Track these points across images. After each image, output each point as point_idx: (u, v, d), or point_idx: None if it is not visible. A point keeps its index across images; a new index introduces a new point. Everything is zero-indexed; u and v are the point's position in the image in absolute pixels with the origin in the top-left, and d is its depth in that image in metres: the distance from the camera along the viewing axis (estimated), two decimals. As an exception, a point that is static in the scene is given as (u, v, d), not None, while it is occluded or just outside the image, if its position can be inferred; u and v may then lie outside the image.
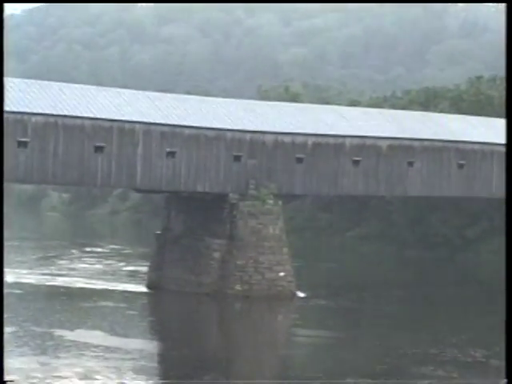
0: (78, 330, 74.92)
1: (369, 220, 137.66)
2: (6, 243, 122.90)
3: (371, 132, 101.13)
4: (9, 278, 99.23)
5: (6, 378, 39.06)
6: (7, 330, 67.46)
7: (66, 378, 58.46)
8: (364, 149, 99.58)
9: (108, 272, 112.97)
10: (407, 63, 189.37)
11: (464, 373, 60.97)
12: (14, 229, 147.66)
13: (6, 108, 77.53)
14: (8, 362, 55.70)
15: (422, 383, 58.00)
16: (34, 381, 56.38)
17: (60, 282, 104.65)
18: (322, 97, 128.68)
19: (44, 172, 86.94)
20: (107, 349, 68.09)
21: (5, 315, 72.66)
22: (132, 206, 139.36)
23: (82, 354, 66.03)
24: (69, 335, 72.67)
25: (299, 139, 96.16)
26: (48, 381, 57.61)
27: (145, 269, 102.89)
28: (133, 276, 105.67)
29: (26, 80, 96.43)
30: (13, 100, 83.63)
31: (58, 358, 64.38)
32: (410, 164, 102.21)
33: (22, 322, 77.29)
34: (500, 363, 56.58)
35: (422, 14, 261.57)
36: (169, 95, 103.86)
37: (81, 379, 57.84)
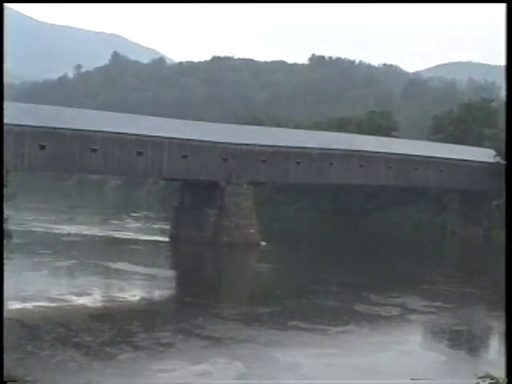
0: (119, 263, 77.79)
1: (305, 198, 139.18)
2: (79, 212, 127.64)
3: (307, 144, 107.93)
4: (73, 230, 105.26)
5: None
6: (69, 262, 75.44)
7: (106, 291, 62.93)
8: (303, 154, 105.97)
9: (144, 229, 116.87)
10: (330, 102, 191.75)
11: (357, 290, 64.94)
12: (85, 203, 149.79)
13: (86, 127, 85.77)
14: (73, 282, 64.97)
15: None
16: (90, 291, 59.37)
17: (111, 234, 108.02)
18: (277, 123, 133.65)
19: (106, 167, 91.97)
20: (137, 274, 71.74)
21: (68, 253, 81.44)
22: (160, 188, 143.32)
23: (121, 276, 70.21)
24: (112, 265, 75.49)
25: (263, 148, 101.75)
26: (91, 291, 60.26)
27: (167, 227, 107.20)
28: (160, 231, 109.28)
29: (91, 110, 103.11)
30: (88, 121, 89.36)
31: (105, 278, 68.75)
32: (331, 164, 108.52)
33: (79, 257, 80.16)
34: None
35: (339, 71, 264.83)
36: (181, 121, 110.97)
37: (119, 291, 61.74)
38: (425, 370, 40.66)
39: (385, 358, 42.90)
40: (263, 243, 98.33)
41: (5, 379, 21.80)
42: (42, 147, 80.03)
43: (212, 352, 42.25)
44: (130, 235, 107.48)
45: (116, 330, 46.65)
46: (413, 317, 54.53)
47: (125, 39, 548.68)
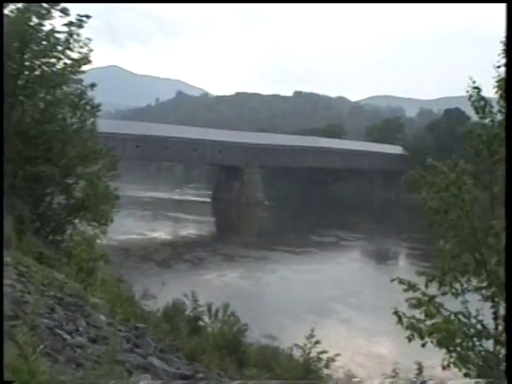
0: (178, 213, 79.62)
1: (291, 175, 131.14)
2: (156, 184, 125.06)
3: (292, 143, 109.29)
4: (150, 195, 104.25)
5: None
6: (146, 213, 77.29)
7: (168, 229, 65.55)
8: (289, 148, 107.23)
9: (195, 194, 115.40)
10: (306, 119, 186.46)
11: (316, 228, 67.32)
12: (160, 180, 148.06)
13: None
14: (148, 224, 66.70)
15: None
16: (158, 229, 62.22)
17: (173, 197, 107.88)
18: (275, 130, 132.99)
19: (174, 158, 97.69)
20: (188, 220, 74.49)
21: (145, 208, 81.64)
22: (205, 170, 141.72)
23: (177, 221, 72.53)
24: (172, 215, 77.80)
25: (266, 146, 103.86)
26: (159, 229, 63.60)
27: (209, 193, 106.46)
28: (205, 195, 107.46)
29: (165, 125, 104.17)
30: (163, 131, 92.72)
31: (167, 221, 70.38)
32: (306, 154, 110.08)
33: (153, 210, 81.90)
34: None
35: (311, 100, 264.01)
36: (218, 130, 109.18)
37: (175, 229, 65.98)
38: (352, 272, 44.69)
39: (328, 265, 46.39)
40: (266, 202, 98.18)
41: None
42: (137, 146, 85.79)
43: (225, 263, 45.97)
44: (186, 197, 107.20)
45: (173, 252, 49.70)
46: (344, 243, 58.25)
47: (183, 82, 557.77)
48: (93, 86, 24.99)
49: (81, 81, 24.81)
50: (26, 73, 25.19)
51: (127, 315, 11.85)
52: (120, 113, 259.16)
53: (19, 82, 24.44)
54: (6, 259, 11.90)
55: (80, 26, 26.06)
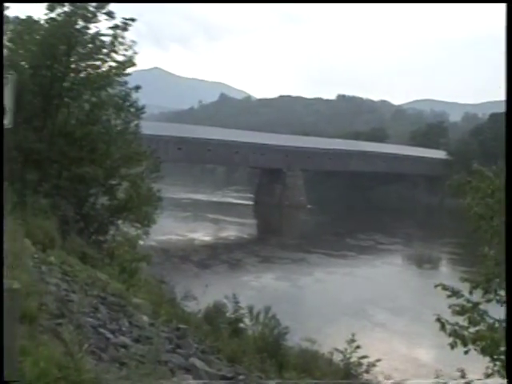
0: (218, 215, 79.53)
1: (333, 179, 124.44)
2: (198, 186, 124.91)
3: (336, 146, 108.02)
4: (191, 196, 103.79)
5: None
6: (186, 214, 77.29)
7: (207, 230, 65.41)
8: (333, 153, 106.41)
9: (236, 196, 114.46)
10: (348, 123, 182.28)
11: (359, 232, 66.04)
12: (202, 181, 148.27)
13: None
14: (188, 225, 66.87)
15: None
16: (198, 231, 62.11)
17: (214, 199, 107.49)
18: (318, 134, 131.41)
19: (216, 160, 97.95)
20: (229, 221, 74.16)
21: (186, 209, 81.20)
22: (246, 172, 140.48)
23: (218, 222, 72.29)
24: (212, 216, 77.79)
25: (308, 149, 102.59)
26: (198, 231, 63.57)
27: (251, 195, 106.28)
28: (246, 198, 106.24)
29: (208, 127, 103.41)
30: (206, 133, 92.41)
31: (207, 223, 70.26)
32: (350, 158, 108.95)
33: (193, 211, 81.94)
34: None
35: (353, 104, 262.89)
36: (260, 132, 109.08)
37: (215, 231, 65.73)
38: (389, 276, 44.14)
39: (365, 269, 45.74)
40: (309, 206, 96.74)
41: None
42: (180, 149, 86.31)
43: (264, 265, 46.11)
44: (227, 200, 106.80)
45: (213, 253, 49.97)
46: (383, 247, 57.28)
47: (227, 84, 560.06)
48: (137, 88, 25.27)
49: (125, 83, 25.12)
50: (72, 75, 25.59)
51: (169, 316, 11.89)
52: (163, 115, 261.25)
53: (65, 84, 24.86)
54: (51, 258, 12.12)
55: (125, 29, 26.40)
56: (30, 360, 4.72)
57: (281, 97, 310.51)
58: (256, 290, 34.58)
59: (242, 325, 15.12)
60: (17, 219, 14.30)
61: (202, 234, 61.68)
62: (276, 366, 12.44)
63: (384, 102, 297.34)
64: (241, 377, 9.21)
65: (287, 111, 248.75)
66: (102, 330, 7.69)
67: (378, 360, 13.90)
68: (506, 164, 7.62)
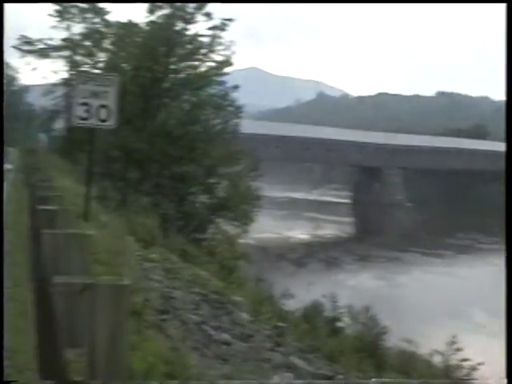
0: (315, 213, 78.15)
1: (430, 177, 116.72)
2: (293, 185, 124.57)
3: (433, 144, 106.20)
4: (286, 195, 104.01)
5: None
6: (283, 213, 76.24)
7: (304, 229, 65.04)
8: (430, 150, 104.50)
9: (331, 194, 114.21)
10: (447, 119, 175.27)
11: (459, 232, 64.60)
12: (297, 180, 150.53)
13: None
14: (284, 223, 66.65)
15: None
16: (295, 229, 62.12)
17: (311, 197, 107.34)
18: (417, 132, 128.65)
19: (313, 159, 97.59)
20: (326, 220, 72.92)
21: (282, 208, 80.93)
22: (347, 170, 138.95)
23: (314, 221, 70.59)
24: (309, 215, 75.89)
25: (406, 147, 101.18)
26: (295, 229, 63.34)
27: (348, 193, 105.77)
28: (342, 196, 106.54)
29: (306, 125, 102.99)
30: (304, 132, 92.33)
31: (304, 221, 69.78)
32: (447, 155, 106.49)
33: (289, 210, 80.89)
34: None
35: (451, 100, 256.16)
36: (361, 131, 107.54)
37: (312, 229, 64.62)
38: (489, 276, 41.57)
39: (463, 269, 44.78)
40: (408, 204, 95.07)
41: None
42: (278, 147, 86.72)
43: (360, 263, 45.70)
44: (324, 198, 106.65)
45: (309, 251, 49.81)
46: (483, 246, 56.32)
47: (324, 83, 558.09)
48: (235, 87, 25.61)
49: (224, 82, 25.51)
50: (172, 76, 26.26)
51: (268, 314, 11.93)
52: (261, 114, 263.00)
53: (165, 85, 25.50)
54: (152, 255, 12.40)
55: (223, 30, 26.86)
56: (137, 355, 4.83)
57: (378, 94, 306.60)
58: (352, 288, 34.05)
59: (339, 324, 15.06)
60: (120, 217, 14.76)
61: (299, 232, 61.70)
62: (374, 366, 12.28)
63: (484, 98, 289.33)
64: (339, 376, 9.19)
65: (385, 109, 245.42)
66: (204, 327, 7.82)
67: (480, 364, 13.57)
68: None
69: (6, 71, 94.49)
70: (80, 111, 11.89)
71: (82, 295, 3.47)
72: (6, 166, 32.20)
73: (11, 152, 53.73)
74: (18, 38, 52.67)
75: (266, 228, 56.63)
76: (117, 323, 3.44)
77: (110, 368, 3.47)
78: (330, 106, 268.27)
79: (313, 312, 15.65)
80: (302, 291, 16.90)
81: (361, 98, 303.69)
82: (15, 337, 5.37)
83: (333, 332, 14.17)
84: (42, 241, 5.18)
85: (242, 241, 22.15)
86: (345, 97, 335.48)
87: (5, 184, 20.96)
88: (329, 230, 66.86)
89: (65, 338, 3.34)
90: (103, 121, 11.92)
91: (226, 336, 8.00)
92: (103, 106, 11.92)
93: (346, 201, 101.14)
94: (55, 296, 3.39)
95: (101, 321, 3.44)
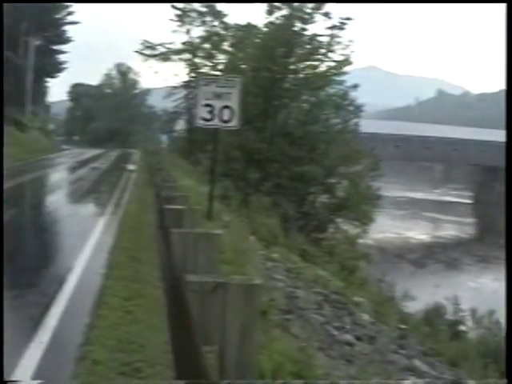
0: (434, 213, 75.65)
1: None
2: (412, 184, 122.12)
3: None
4: (407, 195, 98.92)
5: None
6: (402, 212, 73.68)
7: (424, 229, 63.51)
8: None
9: (452, 194, 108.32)
10: None
11: None
12: (418, 180, 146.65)
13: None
14: (403, 223, 64.29)
15: None
16: (414, 229, 60.30)
17: (429, 197, 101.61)
18: None
19: (433, 157, 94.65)
20: (444, 220, 69.74)
21: (401, 208, 78.48)
22: (469, 170, 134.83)
23: (434, 221, 68.38)
24: (428, 214, 73.36)
25: None
26: (414, 229, 61.82)
27: (470, 193, 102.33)
28: (464, 196, 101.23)
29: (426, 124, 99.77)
30: (424, 131, 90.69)
31: (426, 222, 66.99)
32: None
33: (408, 209, 78.19)
34: None
35: None
36: (483, 129, 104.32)
37: (432, 230, 62.97)
38: None
39: None
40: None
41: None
42: (397, 146, 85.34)
43: (481, 264, 43.89)
44: (445, 198, 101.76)
45: (428, 252, 48.18)
46: None
47: (444, 80, 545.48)
48: (355, 86, 25.49)
49: (343, 82, 25.45)
50: (291, 76, 26.40)
51: (389, 316, 11.84)
52: (379, 113, 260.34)
53: (284, 85, 25.69)
54: (274, 255, 12.50)
55: (341, 29, 26.76)
56: (265, 354, 4.87)
57: (501, 91, 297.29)
58: (473, 290, 33.29)
59: (461, 327, 14.73)
60: (241, 216, 14.95)
61: (418, 233, 60.31)
62: (499, 372, 11.45)
63: None
64: (463, 381, 9.01)
65: None
66: (327, 327, 7.82)
67: None
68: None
69: (129, 75, 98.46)
70: (203, 112, 12.10)
71: (213, 294, 3.58)
72: (129, 167, 33.51)
73: (133, 153, 55.75)
74: (141, 43, 55.02)
75: (385, 228, 56.03)
76: (248, 322, 3.64)
77: (240, 366, 3.69)
78: (450, 104, 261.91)
79: (434, 315, 15.33)
80: (421, 293, 16.50)
81: (482, 96, 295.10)
82: (145, 332, 5.58)
83: (455, 336, 13.80)
84: (171, 240, 5.28)
85: (361, 241, 21.87)
86: (465, 94, 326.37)
87: (129, 183, 21.83)
88: (449, 231, 64.86)
89: (198, 335, 3.38)
90: (226, 122, 12.06)
91: (348, 337, 7.98)
92: (226, 107, 12.06)
93: (466, 201, 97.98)
94: (188, 294, 3.43)
95: (232, 319, 3.63)
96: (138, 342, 5.28)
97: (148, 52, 55.09)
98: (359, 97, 26.71)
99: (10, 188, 17.97)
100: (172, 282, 3.82)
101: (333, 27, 26.56)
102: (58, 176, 28.08)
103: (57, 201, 17.42)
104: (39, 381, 4.43)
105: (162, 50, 54.59)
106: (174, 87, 54.53)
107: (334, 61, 26.17)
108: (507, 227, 6.85)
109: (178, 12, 52.29)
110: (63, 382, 4.51)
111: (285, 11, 26.78)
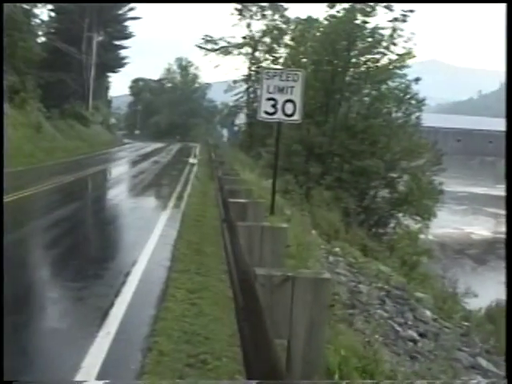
0: (490, 209, 72.40)
1: None
2: (475, 180, 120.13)
3: None
4: (466, 189, 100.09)
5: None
6: (461, 208, 69.73)
7: (484, 225, 62.50)
8: None
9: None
10: None
11: None
12: (483, 176, 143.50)
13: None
14: (463, 218, 61.80)
15: None
16: (473, 224, 58.40)
17: (488, 192, 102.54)
18: None
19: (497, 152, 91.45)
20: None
21: (460, 203, 75.56)
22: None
23: (486, 218, 64.01)
24: (485, 210, 70.71)
25: None
26: (474, 224, 60.37)
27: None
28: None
29: (486, 118, 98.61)
30: (481, 125, 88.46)
31: (487, 218, 67.58)
32: None
33: (468, 205, 78.50)
34: None
35: None
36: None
37: (483, 229, 60.11)
38: None
39: None
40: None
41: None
42: (459, 140, 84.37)
43: None
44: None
45: (490, 248, 45.29)
46: None
47: (504, 72, 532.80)
48: (417, 80, 25.19)
49: (405, 75, 25.18)
50: (352, 69, 26.27)
51: (451, 312, 11.70)
52: (440, 107, 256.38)
53: (346, 79, 25.60)
54: (336, 249, 12.47)
55: (403, 21, 26.46)
56: (330, 348, 4.87)
57: None
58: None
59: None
60: (302, 210, 14.94)
61: (479, 228, 59.08)
62: None
63: None
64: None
65: None
66: (390, 323, 7.77)
67: None
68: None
69: (189, 69, 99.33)
70: (266, 106, 12.02)
71: (282, 287, 3.58)
72: (190, 160, 33.80)
73: (194, 147, 56.32)
74: (202, 37, 55.70)
75: (446, 223, 55.21)
76: (316, 316, 3.62)
77: (307, 360, 3.68)
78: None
79: (497, 312, 15.08)
80: (483, 289, 16.20)
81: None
82: (211, 324, 5.62)
83: (519, 333, 13.54)
84: (237, 233, 5.27)
85: (421, 236, 21.66)
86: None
87: (190, 177, 22.05)
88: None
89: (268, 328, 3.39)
90: (289, 115, 11.96)
91: (411, 333, 7.93)
92: (289, 101, 11.98)
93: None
94: (257, 287, 3.41)
95: (300, 313, 3.62)
96: (203, 334, 5.32)
97: (209, 46, 55.81)
98: (421, 90, 26.54)
99: (75, 181, 18.58)
100: (240, 275, 3.83)
101: (395, 20, 26.32)
102: (121, 170, 28.64)
103: (120, 194, 17.79)
104: (105, 381, 4.54)
105: (222, 44, 55.25)
106: (235, 81, 55.05)
107: (396, 54, 25.95)
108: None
109: (239, 6, 52.65)
110: (131, 372, 4.55)
111: (346, 4, 26.69)
